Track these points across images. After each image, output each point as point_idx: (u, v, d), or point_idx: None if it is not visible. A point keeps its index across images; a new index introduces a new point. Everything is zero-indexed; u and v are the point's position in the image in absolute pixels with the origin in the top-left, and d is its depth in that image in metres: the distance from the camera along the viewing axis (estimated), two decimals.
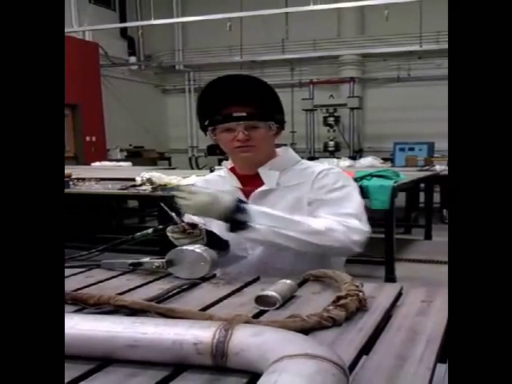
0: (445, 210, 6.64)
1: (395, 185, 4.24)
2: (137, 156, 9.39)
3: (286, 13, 8.87)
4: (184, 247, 1.49)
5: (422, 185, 6.14)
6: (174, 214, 1.59)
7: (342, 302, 1.11)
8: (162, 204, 1.66)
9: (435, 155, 7.75)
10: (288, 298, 1.22)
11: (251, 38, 9.75)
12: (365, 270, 3.92)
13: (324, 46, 9.89)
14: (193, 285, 1.39)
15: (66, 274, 1.48)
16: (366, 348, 0.97)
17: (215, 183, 1.87)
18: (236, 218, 1.51)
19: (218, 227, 1.65)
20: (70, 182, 4.47)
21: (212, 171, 2.70)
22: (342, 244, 1.57)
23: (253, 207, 1.56)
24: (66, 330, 0.88)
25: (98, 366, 0.89)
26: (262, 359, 0.79)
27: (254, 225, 1.51)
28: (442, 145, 7.36)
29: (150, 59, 10.92)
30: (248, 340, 0.83)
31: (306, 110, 9.70)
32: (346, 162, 6.70)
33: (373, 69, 10.17)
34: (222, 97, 1.68)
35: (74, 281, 1.45)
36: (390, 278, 4.17)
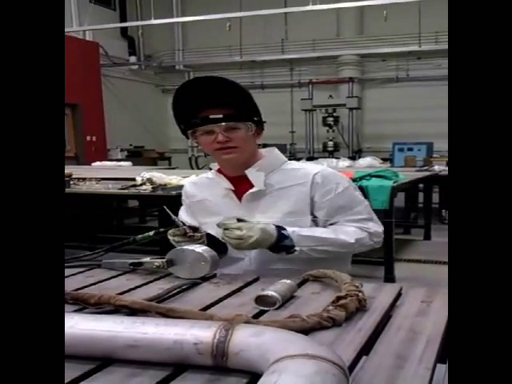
0: (444, 211, 6.64)
1: (394, 185, 4.24)
2: (137, 156, 9.39)
3: (286, 13, 8.88)
4: (184, 247, 1.50)
5: (421, 185, 6.14)
6: (175, 217, 1.60)
7: (341, 302, 1.11)
8: (164, 207, 1.66)
9: (434, 155, 7.76)
10: (288, 298, 1.23)
11: (251, 38, 9.76)
12: (364, 270, 3.91)
13: (323, 46, 9.90)
14: (193, 285, 1.39)
15: (66, 274, 1.48)
16: (366, 348, 0.97)
17: (204, 186, 1.88)
18: (283, 246, 1.63)
19: (215, 230, 1.67)
20: (71, 182, 4.47)
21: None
22: (368, 247, 1.78)
23: (294, 232, 1.64)
24: (67, 330, 0.88)
25: (99, 365, 0.89)
26: (262, 359, 0.79)
27: (297, 248, 1.64)
28: (441, 145, 7.38)
29: (150, 59, 10.93)
30: (248, 340, 0.83)
31: (305, 110, 9.70)
32: (345, 163, 6.71)
33: (372, 69, 10.18)
34: (198, 100, 1.67)
35: (74, 280, 1.45)
36: (389, 278, 4.17)
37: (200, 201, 1.86)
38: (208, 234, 1.65)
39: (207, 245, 1.57)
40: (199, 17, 8.17)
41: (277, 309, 1.18)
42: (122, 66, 10.20)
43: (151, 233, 1.67)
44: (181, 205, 1.95)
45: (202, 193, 1.87)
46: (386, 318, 1.13)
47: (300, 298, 1.26)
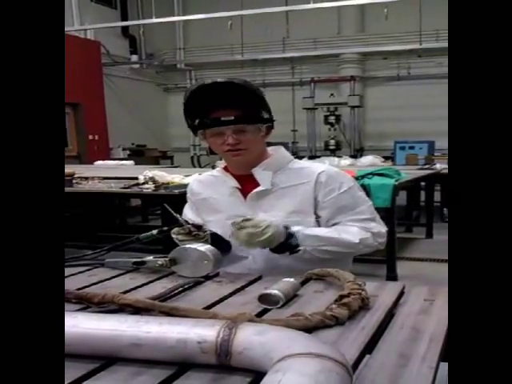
0: (445, 209, 6.63)
1: (396, 183, 4.24)
2: (139, 155, 9.38)
3: (287, 11, 8.87)
4: (187, 245, 1.50)
5: (423, 183, 6.13)
6: (176, 215, 1.59)
7: (344, 300, 1.11)
8: (165, 204, 1.66)
9: (435, 154, 7.74)
10: (291, 297, 1.23)
11: (252, 37, 9.74)
12: (366, 269, 3.91)
13: (324, 45, 9.90)
14: (196, 283, 1.40)
15: (70, 273, 1.49)
16: (369, 347, 0.97)
17: (210, 184, 1.88)
18: (288, 245, 1.62)
19: (219, 228, 1.67)
20: (73, 181, 4.47)
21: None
22: (373, 248, 1.77)
23: (299, 231, 1.64)
24: (71, 329, 0.89)
25: (103, 364, 0.90)
26: (265, 358, 0.79)
27: (302, 247, 1.63)
28: (443, 143, 7.35)
29: (151, 58, 10.91)
30: (252, 339, 0.83)
31: (307, 109, 9.69)
32: (346, 161, 6.69)
33: (373, 67, 10.17)
34: (210, 100, 1.66)
35: (77, 280, 1.45)
36: (392, 276, 4.17)
37: (205, 199, 1.86)
38: (212, 233, 1.65)
39: (210, 243, 1.57)
40: (200, 15, 8.17)
41: (280, 307, 1.18)
42: (123, 64, 10.18)
43: (155, 231, 1.67)
44: (183, 203, 1.95)
45: (206, 191, 1.87)
46: (389, 316, 1.14)
47: (303, 297, 1.26)
